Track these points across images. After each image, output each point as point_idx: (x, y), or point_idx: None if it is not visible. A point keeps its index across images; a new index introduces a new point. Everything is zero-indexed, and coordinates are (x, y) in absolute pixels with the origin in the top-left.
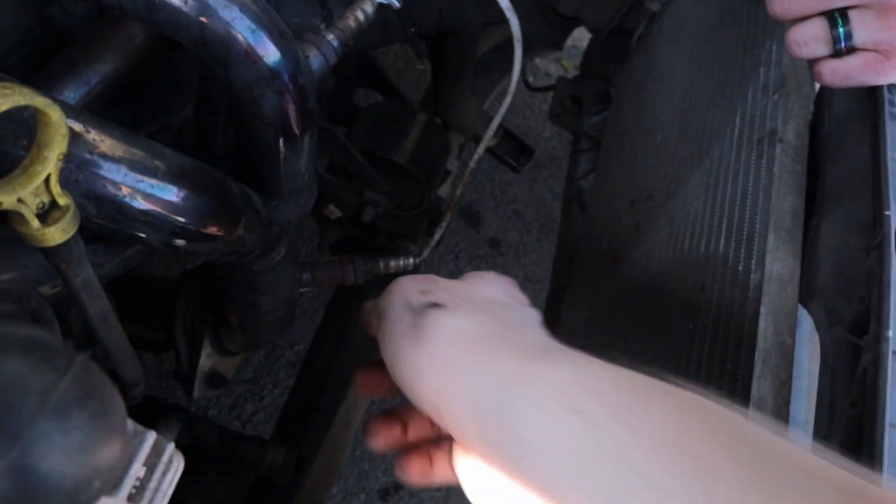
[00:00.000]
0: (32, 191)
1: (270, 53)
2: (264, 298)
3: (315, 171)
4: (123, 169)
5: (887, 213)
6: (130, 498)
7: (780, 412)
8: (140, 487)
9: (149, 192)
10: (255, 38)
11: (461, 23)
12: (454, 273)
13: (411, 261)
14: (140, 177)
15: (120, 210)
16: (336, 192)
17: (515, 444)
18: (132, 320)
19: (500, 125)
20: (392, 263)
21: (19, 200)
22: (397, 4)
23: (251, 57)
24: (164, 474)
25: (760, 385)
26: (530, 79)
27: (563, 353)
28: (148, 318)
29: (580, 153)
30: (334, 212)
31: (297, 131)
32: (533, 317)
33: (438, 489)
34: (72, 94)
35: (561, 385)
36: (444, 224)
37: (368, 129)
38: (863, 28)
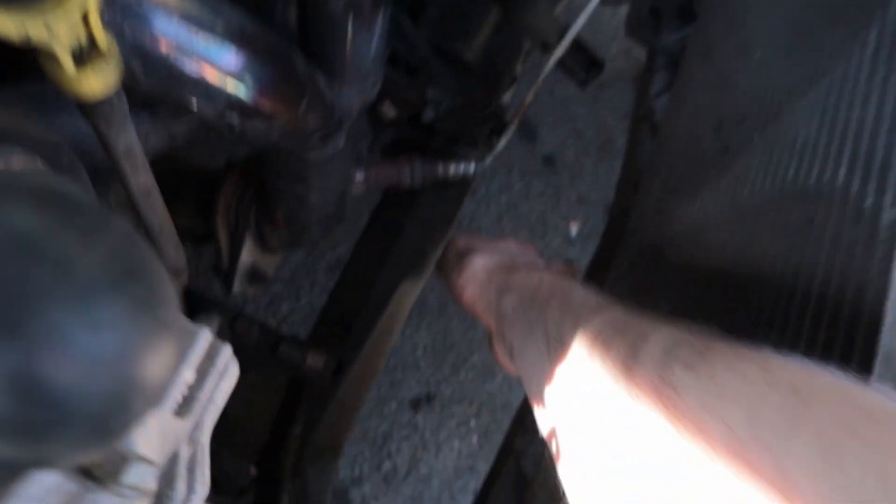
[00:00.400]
0: (67, 24)
1: None
2: (315, 192)
3: (383, 56)
4: (176, 21)
5: None
6: (178, 410)
7: None
8: (189, 398)
9: (203, 52)
10: None
11: None
12: (504, 187)
13: (472, 168)
14: (195, 33)
15: (170, 70)
16: (395, 86)
17: (504, 320)
18: (170, 207)
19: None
20: (452, 168)
21: (49, 30)
22: None
23: None
24: (218, 383)
25: (891, 338)
26: None
27: (537, 269)
28: (188, 207)
29: (655, 72)
30: (390, 111)
31: (369, 7)
32: (531, 256)
33: (470, 404)
34: None
35: (522, 282)
36: (509, 131)
37: (435, 20)
38: None
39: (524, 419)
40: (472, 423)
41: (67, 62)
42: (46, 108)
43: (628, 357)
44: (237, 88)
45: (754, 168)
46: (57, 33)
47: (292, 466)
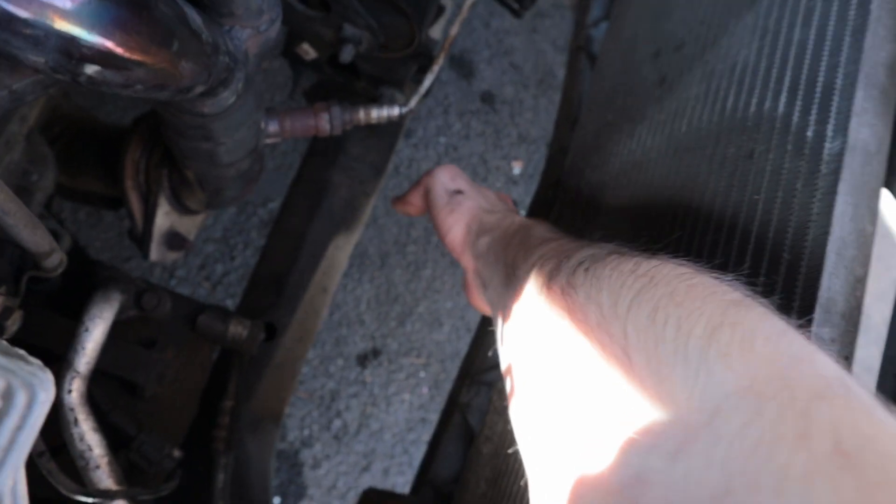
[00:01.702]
0: None
1: None
2: (222, 148)
3: None
4: None
5: None
6: None
7: (852, 315)
8: None
9: None
10: None
11: None
12: (441, 128)
13: (396, 110)
14: None
15: None
16: (309, 26)
17: (479, 259)
18: (81, 173)
19: None
20: (374, 113)
21: None
22: None
23: None
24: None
25: (832, 282)
26: None
27: (511, 214)
28: (95, 169)
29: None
30: (309, 51)
31: None
32: (508, 206)
33: (418, 355)
34: None
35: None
36: (435, 69)
37: None
38: None
39: (469, 371)
40: (422, 374)
41: None
42: None
43: (551, 273)
44: (75, 30)
45: (692, 99)
46: None
47: (226, 441)
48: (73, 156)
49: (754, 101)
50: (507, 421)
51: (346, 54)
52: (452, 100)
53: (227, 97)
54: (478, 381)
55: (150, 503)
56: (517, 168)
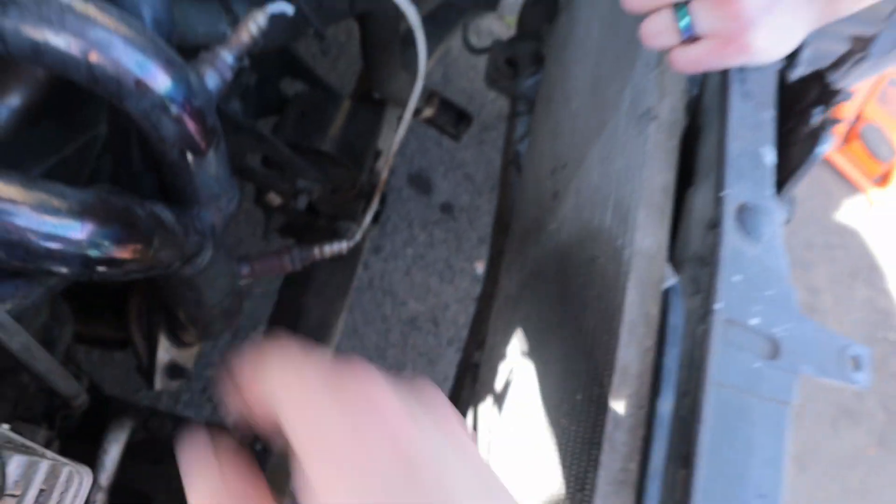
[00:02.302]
0: None
1: (161, 82)
2: (206, 295)
3: (231, 175)
4: (26, 212)
5: (723, 193)
6: None
7: (644, 377)
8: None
9: (53, 231)
10: (144, 70)
11: (374, 5)
12: (407, 241)
13: (344, 244)
14: (43, 218)
15: (27, 251)
16: (271, 183)
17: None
18: (92, 321)
19: (436, 95)
20: (326, 249)
21: None
22: (290, 12)
23: (142, 88)
24: (66, 489)
25: (626, 352)
26: (473, 40)
27: None
28: (106, 317)
29: (517, 116)
30: (275, 199)
31: (202, 147)
32: None
33: None
34: None
35: None
36: (373, 206)
37: (294, 120)
38: (702, 18)
39: None
40: None
41: None
42: None
43: None
44: (89, 251)
45: (569, 211)
46: None
47: None
48: (84, 307)
49: (596, 215)
50: None
51: (301, 203)
52: (414, 214)
53: (201, 262)
54: None
55: None
56: (480, 268)
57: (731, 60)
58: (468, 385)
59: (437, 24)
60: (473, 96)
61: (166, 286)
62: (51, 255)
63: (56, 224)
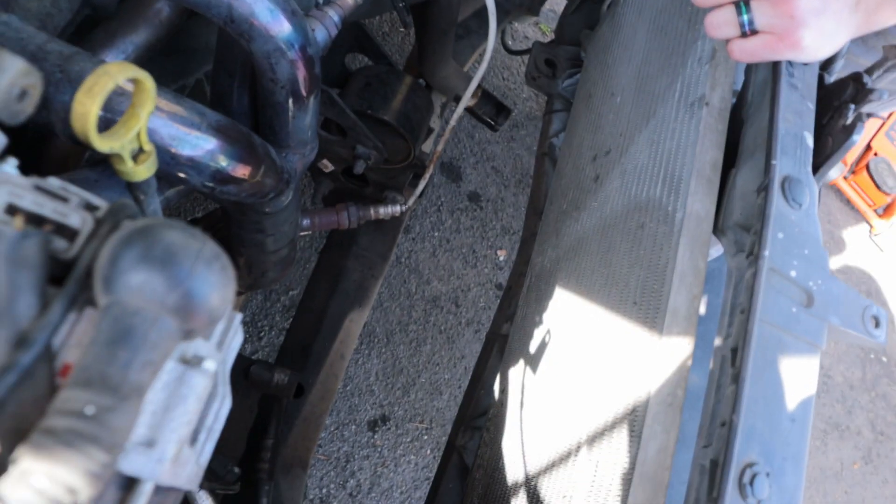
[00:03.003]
0: (129, 139)
1: (285, 29)
2: (271, 239)
3: (317, 127)
4: (175, 124)
5: (774, 162)
6: (218, 346)
7: (691, 319)
8: (222, 340)
9: (194, 141)
10: (273, 16)
11: None
12: (435, 225)
13: (398, 208)
14: (187, 130)
15: (172, 156)
16: (330, 147)
17: None
18: None
19: (479, 86)
20: (381, 210)
21: (122, 161)
22: None
23: (269, 31)
24: (234, 335)
25: (676, 298)
26: (509, 42)
27: None
28: None
29: (553, 113)
30: (328, 165)
31: (304, 93)
32: None
33: (422, 420)
34: (116, 58)
35: None
36: (427, 176)
37: (359, 90)
38: (761, 14)
39: (463, 418)
40: (425, 437)
41: (129, 161)
42: (97, 188)
43: None
44: (217, 164)
45: (613, 190)
46: (124, 145)
47: (268, 472)
48: None
49: (644, 189)
50: (494, 450)
51: (359, 167)
52: (444, 200)
53: (283, 201)
54: (471, 427)
55: None
56: (502, 256)
57: (782, 54)
58: (496, 354)
59: (484, 21)
60: (506, 95)
61: (239, 224)
62: (189, 161)
63: (196, 136)
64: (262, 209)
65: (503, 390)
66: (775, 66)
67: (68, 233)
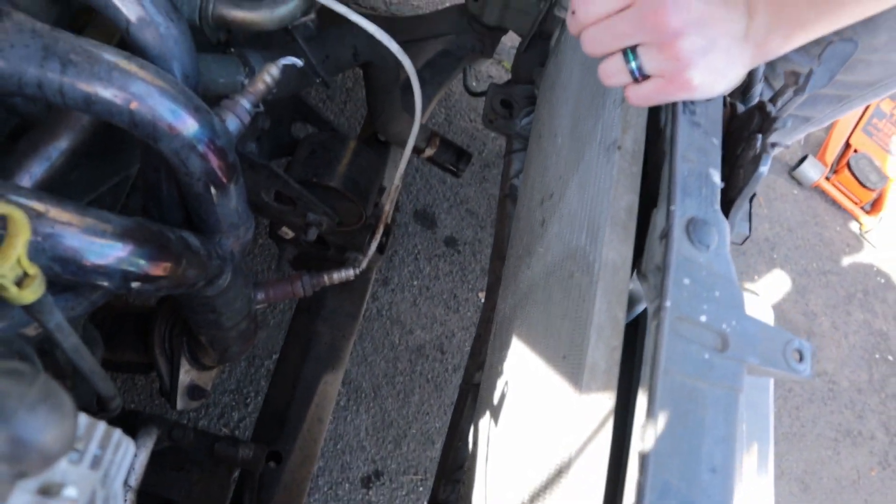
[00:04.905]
0: (9, 267)
1: (189, 126)
2: (224, 317)
3: (247, 208)
4: (78, 235)
5: (672, 207)
6: (92, 465)
7: (611, 373)
8: (98, 458)
9: (100, 250)
10: (175, 116)
11: (375, 55)
12: (414, 273)
13: (351, 271)
14: (92, 239)
15: (79, 267)
16: (284, 216)
17: None
18: (120, 347)
19: (437, 135)
20: (335, 276)
21: (1, 275)
22: (300, 64)
23: (174, 131)
24: (116, 449)
25: (594, 353)
26: (473, 83)
27: None
28: (132, 344)
29: (513, 154)
30: (288, 233)
31: (223, 181)
32: None
33: (416, 472)
34: (38, 170)
35: None
36: (377, 236)
37: (304, 158)
38: (648, 60)
39: (444, 471)
40: (421, 489)
41: (12, 288)
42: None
43: None
44: (129, 268)
45: (554, 236)
46: (4, 274)
47: None
48: (111, 335)
49: (574, 236)
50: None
51: (311, 234)
52: (420, 248)
53: (222, 283)
54: (452, 480)
55: None
56: (483, 297)
57: (676, 96)
58: (469, 405)
59: (436, 70)
60: (475, 136)
61: (189, 308)
62: (97, 270)
63: (102, 244)
64: (204, 293)
65: (475, 442)
66: (673, 106)
67: None
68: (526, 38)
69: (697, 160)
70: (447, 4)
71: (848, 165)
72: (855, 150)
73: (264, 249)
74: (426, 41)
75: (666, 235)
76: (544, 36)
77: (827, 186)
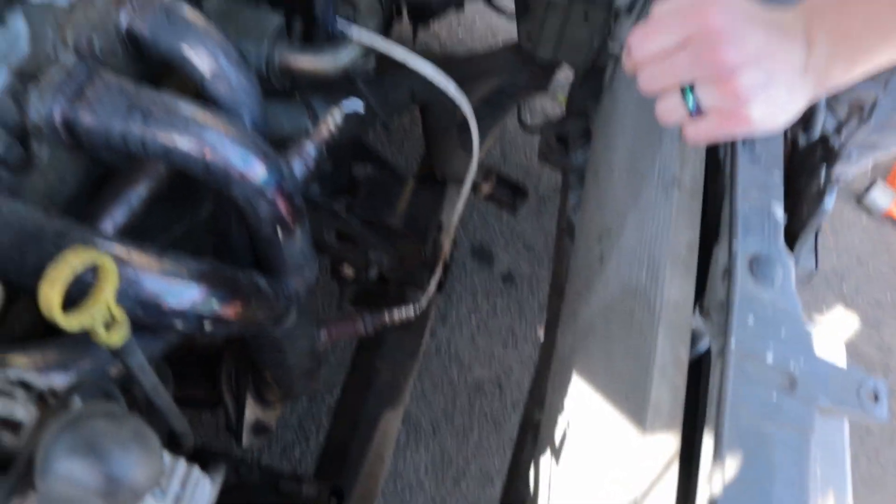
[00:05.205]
0: (100, 312)
1: (259, 173)
2: (289, 355)
3: (312, 249)
4: (157, 279)
5: (735, 245)
6: (175, 502)
7: (675, 414)
8: (179, 496)
9: (177, 294)
10: (246, 163)
11: (432, 96)
12: (471, 310)
13: (411, 310)
14: (170, 284)
15: (159, 310)
16: (346, 255)
17: None
18: (188, 384)
19: (493, 172)
20: (395, 315)
21: (93, 320)
22: (361, 111)
23: (244, 178)
24: (195, 487)
25: (657, 392)
26: (527, 118)
27: None
28: (199, 381)
29: (569, 189)
30: (349, 271)
31: (290, 225)
32: None
33: None
34: (119, 215)
35: None
36: (436, 274)
37: (365, 199)
38: (706, 96)
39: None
40: None
41: (102, 332)
42: (89, 346)
43: None
44: (202, 310)
45: (612, 272)
46: (95, 319)
47: None
48: (181, 372)
49: (633, 273)
50: None
51: (372, 272)
52: (478, 284)
53: (288, 323)
54: None
55: None
56: (542, 333)
57: (735, 132)
58: (529, 443)
59: (492, 107)
60: (530, 171)
61: (256, 347)
62: (174, 312)
63: (179, 288)
64: (270, 333)
65: (536, 481)
66: (732, 143)
67: (14, 426)
68: (580, 73)
69: (759, 196)
70: (500, 40)
71: None
72: None
73: (326, 289)
74: (481, 79)
75: (729, 272)
76: (598, 70)
77: None
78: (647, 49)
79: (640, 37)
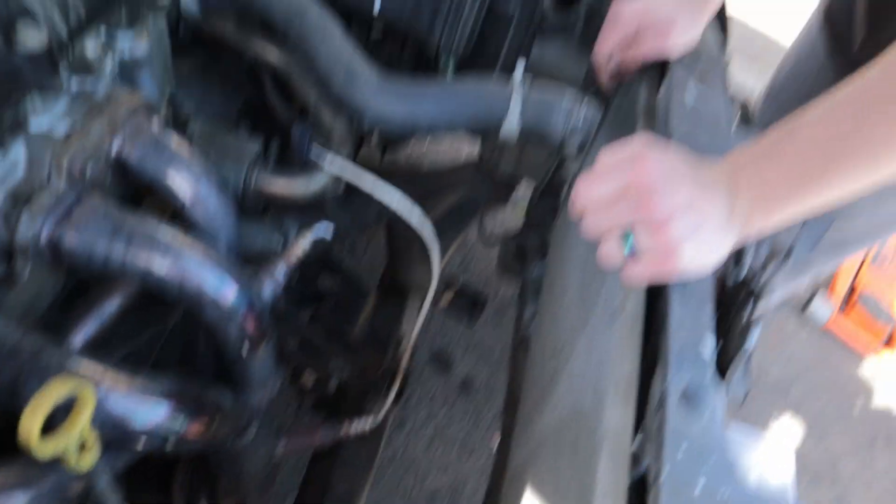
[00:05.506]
0: (74, 440)
1: (230, 298)
2: (245, 468)
3: (276, 363)
4: (126, 400)
5: (666, 377)
6: None
7: None
8: None
9: (145, 413)
10: (219, 289)
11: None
12: (429, 416)
13: (368, 423)
14: (138, 405)
15: (126, 430)
16: (308, 365)
17: None
18: (142, 491)
19: (453, 286)
20: (353, 426)
21: (66, 446)
22: (329, 236)
23: (217, 303)
24: None
25: None
26: (488, 230)
27: None
28: (154, 488)
29: (526, 302)
30: (309, 380)
31: (257, 343)
32: None
33: None
34: (91, 328)
35: None
36: (394, 388)
37: (328, 312)
38: (641, 241)
39: None
40: None
41: (74, 458)
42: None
43: None
44: (168, 429)
45: (562, 394)
46: (69, 447)
47: None
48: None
49: (580, 398)
50: None
51: (332, 383)
52: (436, 391)
53: (248, 436)
54: None
55: None
56: (496, 442)
57: (668, 273)
58: None
59: (454, 220)
60: (490, 279)
61: (213, 458)
62: (140, 431)
63: (147, 407)
64: (231, 447)
65: None
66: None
67: None
68: (538, 189)
69: (689, 333)
70: (463, 156)
71: (857, 303)
72: (863, 289)
73: (285, 391)
74: (444, 193)
75: (661, 405)
76: (556, 187)
77: (839, 327)
78: (590, 197)
79: (584, 185)
